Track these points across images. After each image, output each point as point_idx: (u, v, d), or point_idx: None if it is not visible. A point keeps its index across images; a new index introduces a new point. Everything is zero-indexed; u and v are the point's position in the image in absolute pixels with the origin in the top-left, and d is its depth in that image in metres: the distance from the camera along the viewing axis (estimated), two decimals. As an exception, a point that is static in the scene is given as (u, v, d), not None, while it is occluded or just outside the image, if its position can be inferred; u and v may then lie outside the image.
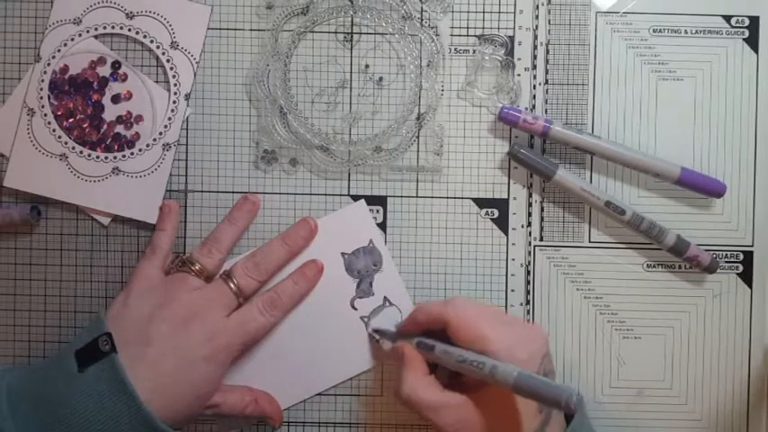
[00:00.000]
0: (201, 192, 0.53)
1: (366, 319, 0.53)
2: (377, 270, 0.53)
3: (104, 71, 0.53)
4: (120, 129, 0.53)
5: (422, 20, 0.53)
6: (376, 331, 0.52)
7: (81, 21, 0.52)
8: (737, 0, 0.53)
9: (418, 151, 0.53)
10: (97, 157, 0.52)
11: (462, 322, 0.45)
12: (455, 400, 0.45)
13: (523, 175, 0.54)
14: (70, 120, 0.53)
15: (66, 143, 0.52)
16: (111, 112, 0.53)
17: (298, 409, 0.53)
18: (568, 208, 0.54)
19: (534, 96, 0.53)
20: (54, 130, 0.52)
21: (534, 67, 0.53)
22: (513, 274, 0.54)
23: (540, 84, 0.53)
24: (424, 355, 0.47)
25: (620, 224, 0.53)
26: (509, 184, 0.54)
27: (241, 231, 0.53)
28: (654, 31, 0.53)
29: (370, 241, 0.53)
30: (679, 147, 0.53)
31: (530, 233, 0.54)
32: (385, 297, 0.53)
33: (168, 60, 0.53)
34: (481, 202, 0.54)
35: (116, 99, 0.53)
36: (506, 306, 0.54)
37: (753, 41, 0.53)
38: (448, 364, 0.45)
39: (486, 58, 0.53)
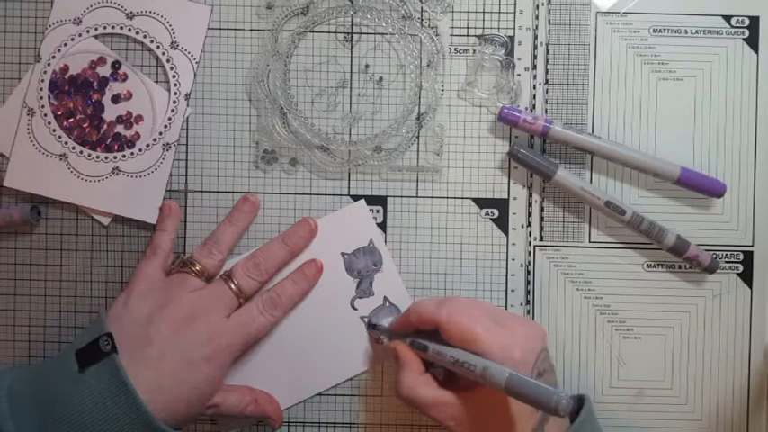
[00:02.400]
0: (201, 192, 0.53)
1: (366, 319, 0.53)
2: (377, 270, 0.53)
3: (104, 71, 0.53)
4: (120, 129, 0.53)
5: (422, 20, 0.53)
6: (372, 326, 0.53)
7: (81, 21, 0.52)
8: (737, 0, 0.53)
9: (418, 151, 0.53)
10: (97, 157, 0.52)
11: (454, 325, 0.45)
12: (451, 397, 0.45)
13: (523, 175, 0.54)
14: (70, 120, 0.53)
15: (66, 143, 0.52)
16: (111, 112, 0.53)
17: (298, 409, 0.53)
18: (568, 208, 0.54)
19: (534, 96, 0.53)
20: (54, 130, 0.52)
21: (534, 67, 0.53)
22: (513, 274, 0.54)
23: (540, 84, 0.53)
24: (419, 354, 0.47)
25: (620, 224, 0.53)
26: (509, 184, 0.54)
27: (241, 231, 0.53)
28: (654, 31, 0.53)
29: (370, 241, 0.53)
30: (679, 147, 0.53)
31: (530, 233, 0.54)
32: (385, 297, 0.53)
33: (168, 60, 0.53)
34: (481, 202, 0.54)
35: (116, 99, 0.53)
36: (506, 306, 0.54)
37: (753, 41, 0.53)
38: (442, 363, 0.46)
39: (486, 58, 0.53)
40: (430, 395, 0.45)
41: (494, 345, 0.44)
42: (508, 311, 0.53)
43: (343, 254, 0.53)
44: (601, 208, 0.52)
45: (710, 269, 0.52)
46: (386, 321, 0.53)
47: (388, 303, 0.53)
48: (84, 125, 0.53)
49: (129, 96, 0.53)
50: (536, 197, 0.54)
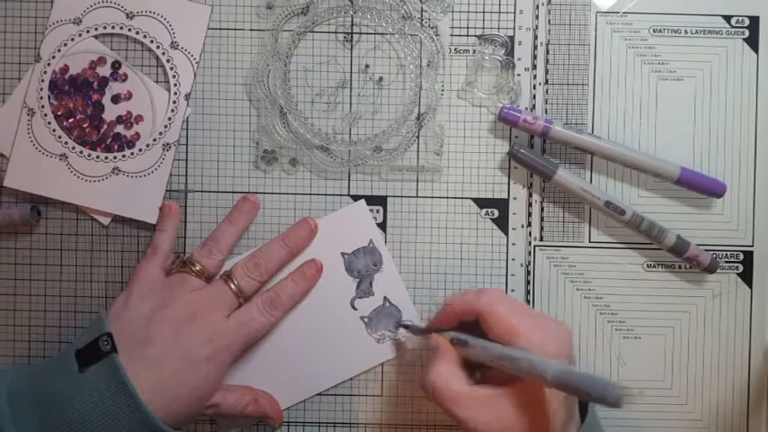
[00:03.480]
0: (201, 192, 0.53)
1: (366, 320, 0.53)
2: (377, 270, 0.53)
3: (104, 71, 0.53)
4: (120, 129, 0.53)
5: (422, 20, 0.53)
6: (405, 326, 0.52)
7: (81, 21, 0.52)
8: (737, 0, 0.53)
9: (418, 151, 0.53)
10: (97, 157, 0.52)
11: (494, 315, 0.45)
12: (482, 393, 0.44)
13: (523, 175, 0.54)
14: (70, 120, 0.53)
15: (66, 143, 0.52)
16: (111, 112, 0.53)
17: (298, 409, 0.53)
18: (568, 208, 0.54)
19: (534, 96, 0.53)
20: (54, 130, 0.52)
21: (534, 67, 0.53)
22: (513, 274, 0.54)
23: (540, 84, 0.53)
24: (458, 350, 0.47)
25: (620, 224, 0.53)
26: (509, 184, 0.54)
27: (241, 232, 0.53)
28: (654, 31, 0.53)
29: (370, 241, 0.53)
30: (679, 147, 0.53)
31: (530, 233, 0.54)
32: (385, 297, 0.53)
33: (168, 60, 0.53)
34: (481, 202, 0.54)
35: (116, 99, 0.53)
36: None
37: (753, 41, 0.53)
38: (482, 358, 0.45)
39: (486, 58, 0.53)
40: (460, 389, 0.44)
41: (532, 339, 0.43)
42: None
43: (343, 254, 0.53)
44: (601, 208, 0.52)
45: (710, 269, 0.52)
46: (386, 322, 0.53)
47: (388, 303, 0.53)
48: (84, 125, 0.53)
49: (129, 96, 0.53)
50: (536, 197, 0.54)
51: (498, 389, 0.44)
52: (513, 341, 0.44)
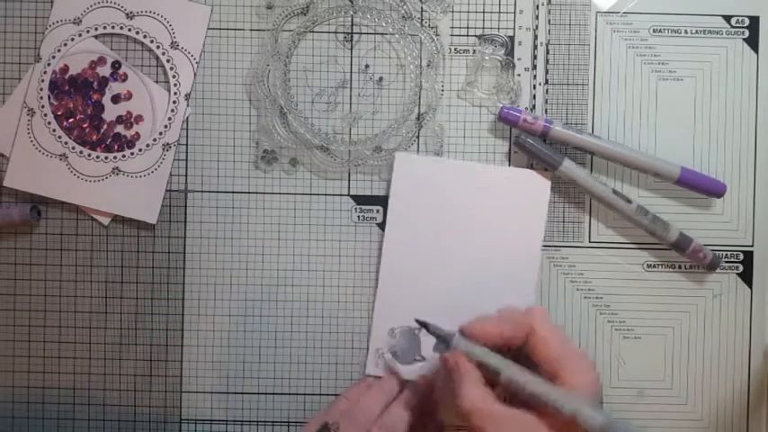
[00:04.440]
0: (201, 192, 0.53)
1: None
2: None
3: (104, 71, 0.53)
4: (120, 129, 0.53)
5: (422, 20, 0.53)
6: (423, 325, 0.47)
7: (81, 21, 0.52)
8: (737, 0, 0.53)
9: (418, 151, 0.53)
10: (97, 157, 0.52)
11: (548, 343, 0.43)
12: (522, 416, 0.42)
13: (523, 175, 0.54)
14: (70, 120, 0.53)
15: (66, 143, 0.52)
16: (111, 112, 0.53)
17: (298, 410, 0.53)
18: (569, 208, 0.54)
19: (534, 96, 0.53)
20: (54, 130, 0.52)
21: (534, 67, 0.53)
22: (513, 274, 0.54)
23: (540, 84, 0.53)
24: (484, 374, 0.44)
25: (623, 217, 0.52)
26: (509, 184, 0.54)
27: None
28: (654, 31, 0.53)
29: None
30: (679, 147, 0.53)
31: (530, 233, 0.54)
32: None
33: (168, 60, 0.53)
34: (481, 202, 0.54)
35: (116, 99, 0.53)
36: (506, 306, 0.54)
37: (753, 41, 0.53)
38: (516, 391, 0.43)
39: (486, 58, 0.53)
40: (499, 410, 0.42)
41: (575, 380, 0.42)
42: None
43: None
44: (608, 196, 0.51)
45: (712, 266, 0.52)
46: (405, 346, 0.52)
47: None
48: (84, 125, 0.53)
49: (129, 96, 0.53)
50: (536, 197, 0.54)
51: (533, 414, 0.42)
52: (557, 377, 0.42)
